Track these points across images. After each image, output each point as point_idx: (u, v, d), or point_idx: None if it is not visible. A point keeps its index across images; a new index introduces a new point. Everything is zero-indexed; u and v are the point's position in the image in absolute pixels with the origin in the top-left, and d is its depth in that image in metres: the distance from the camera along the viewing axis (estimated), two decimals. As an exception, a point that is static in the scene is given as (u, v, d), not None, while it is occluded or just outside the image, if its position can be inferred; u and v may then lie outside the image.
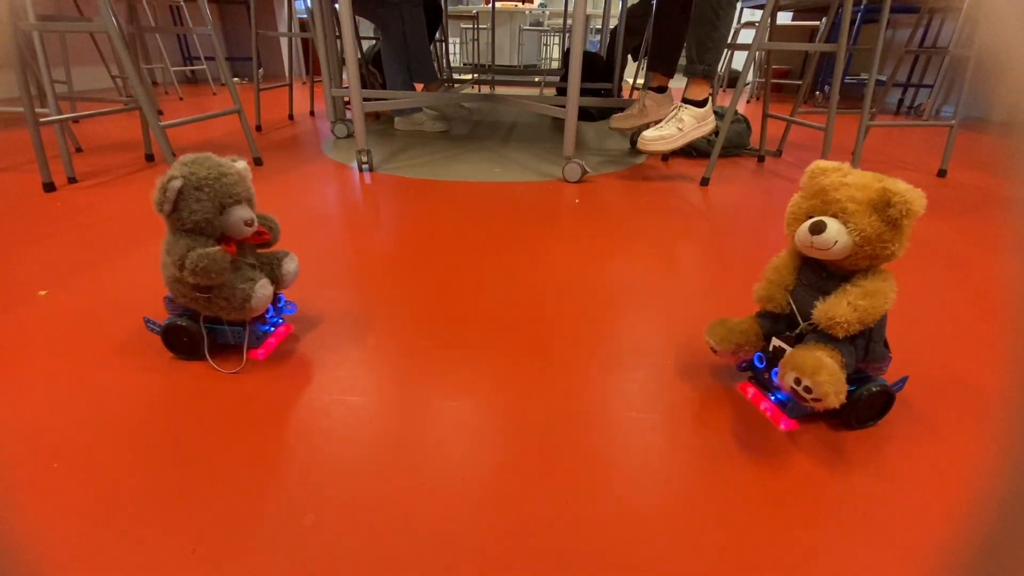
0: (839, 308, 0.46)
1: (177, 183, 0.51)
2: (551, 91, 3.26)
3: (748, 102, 3.52)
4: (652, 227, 1.09)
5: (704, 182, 1.44)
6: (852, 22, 3.01)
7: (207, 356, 0.59)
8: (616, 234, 1.04)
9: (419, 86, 2.06)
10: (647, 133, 1.41)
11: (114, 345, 0.63)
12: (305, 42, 3.53)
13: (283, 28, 4.01)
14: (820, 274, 0.50)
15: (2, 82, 2.44)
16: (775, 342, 0.53)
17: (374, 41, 2.47)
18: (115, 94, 2.37)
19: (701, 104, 1.40)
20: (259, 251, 0.63)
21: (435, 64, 2.24)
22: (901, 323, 0.74)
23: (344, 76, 2.01)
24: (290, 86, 2.32)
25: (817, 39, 3.03)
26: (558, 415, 0.54)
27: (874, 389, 0.50)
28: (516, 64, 5.42)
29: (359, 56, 2.24)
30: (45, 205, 1.10)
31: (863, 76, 3.54)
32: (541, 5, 5.23)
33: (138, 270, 0.82)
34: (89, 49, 2.15)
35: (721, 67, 3.38)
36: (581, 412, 0.54)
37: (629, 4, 2.25)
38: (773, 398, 0.54)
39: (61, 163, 1.27)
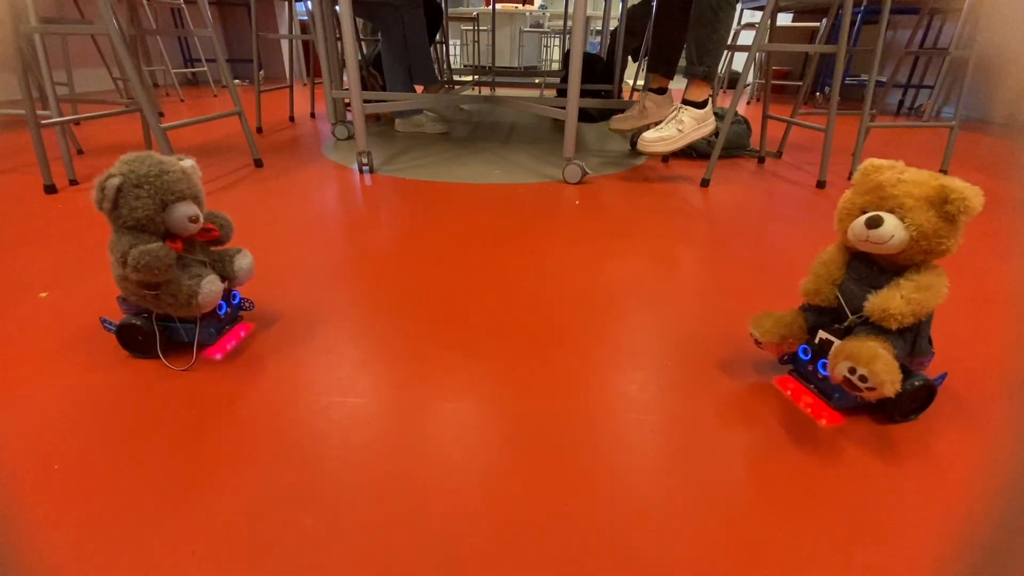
0: (893, 301, 0.47)
1: (115, 181, 0.52)
2: (551, 92, 3.27)
3: (748, 103, 3.52)
4: (652, 228, 1.09)
5: (704, 183, 1.44)
6: (852, 23, 3.02)
7: (160, 354, 0.59)
8: (616, 235, 1.04)
9: (419, 88, 2.07)
10: (647, 134, 1.41)
11: (116, 346, 0.63)
12: (306, 44, 3.54)
13: (284, 30, 4.02)
14: (871, 268, 0.51)
15: (3, 84, 2.44)
16: (821, 335, 0.54)
17: (375, 43, 2.48)
18: (116, 96, 2.37)
19: (701, 105, 1.40)
20: (212, 248, 0.63)
21: (435, 66, 2.24)
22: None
23: (344, 78, 2.02)
24: (291, 88, 2.32)
25: (817, 40, 3.03)
26: (556, 416, 0.54)
27: (918, 383, 0.51)
28: (516, 66, 5.43)
29: (359, 58, 2.25)
30: (46, 207, 1.11)
31: (863, 77, 3.54)
32: (541, 7, 5.24)
33: (139, 272, 0.82)
34: (90, 51, 2.15)
35: (721, 68, 3.38)
36: (580, 413, 0.54)
37: (629, 5, 2.25)
38: (816, 390, 0.55)
39: (62, 165, 1.27)
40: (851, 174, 1.52)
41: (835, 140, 1.47)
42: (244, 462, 0.47)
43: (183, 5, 3.10)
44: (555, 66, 5.22)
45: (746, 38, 3.33)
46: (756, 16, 3.62)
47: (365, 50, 2.45)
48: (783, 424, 0.52)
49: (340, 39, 2.01)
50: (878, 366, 0.44)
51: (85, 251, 0.89)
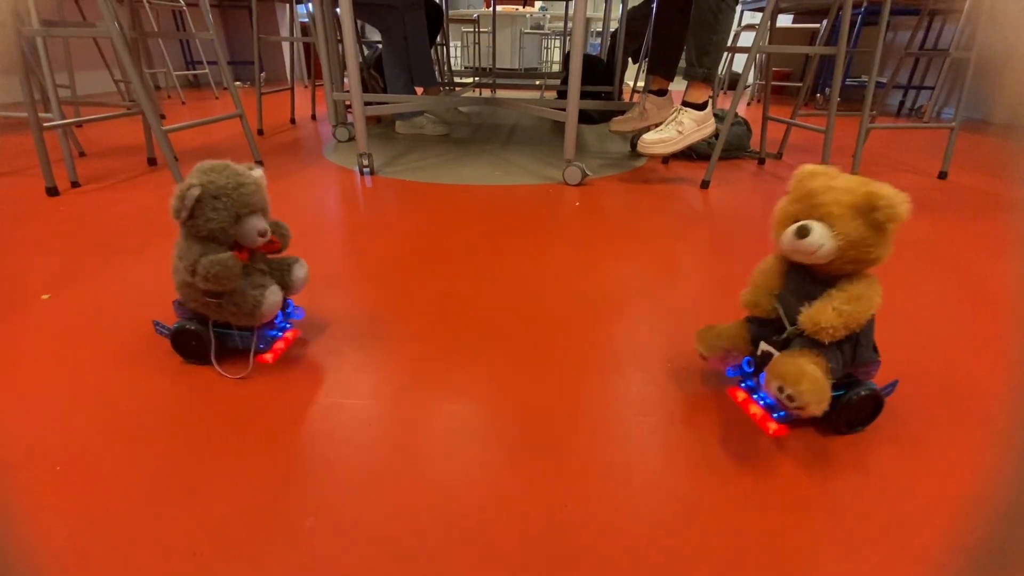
0: (824, 314, 0.46)
1: (195, 191, 0.51)
2: (552, 94, 3.27)
3: (748, 105, 3.52)
4: (653, 229, 1.09)
5: (704, 185, 1.44)
6: (852, 24, 3.02)
7: (214, 361, 0.59)
8: (617, 237, 1.04)
9: (420, 90, 2.07)
10: (647, 136, 1.41)
11: (117, 348, 0.63)
12: (307, 46, 3.54)
13: (285, 32, 4.03)
14: (806, 279, 0.50)
15: (6, 87, 2.45)
16: (763, 347, 0.53)
17: (376, 45, 2.48)
18: (118, 98, 2.38)
19: (701, 107, 1.41)
20: (269, 257, 0.63)
21: (436, 68, 2.24)
22: (900, 325, 0.74)
23: (345, 80, 2.02)
24: (292, 90, 2.33)
25: (817, 42, 3.04)
26: (557, 416, 0.54)
27: (863, 393, 0.50)
28: (517, 67, 5.43)
29: (360, 60, 2.25)
30: (48, 209, 1.11)
31: (863, 78, 3.54)
32: (542, 8, 5.24)
33: (141, 273, 0.83)
34: (92, 54, 2.16)
35: (721, 70, 3.38)
36: (579, 415, 0.54)
37: (629, 7, 2.26)
38: (762, 402, 0.53)
39: (64, 167, 1.28)
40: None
41: (835, 141, 1.47)
42: (246, 465, 0.47)
43: (184, 7, 3.11)
44: (555, 68, 5.23)
45: (746, 39, 3.34)
46: (756, 17, 3.62)
47: (365, 52, 2.46)
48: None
49: (341, 41, 2.02)
50: (803, 386, 0.43)
51: (87, 253, 0.90)
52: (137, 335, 0.66)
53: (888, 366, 0.54)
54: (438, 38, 2.45)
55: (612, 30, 2.45)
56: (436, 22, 2.26)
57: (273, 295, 0.57)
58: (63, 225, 1.02)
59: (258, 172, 0.57)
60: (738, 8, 1.60)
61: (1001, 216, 1.24)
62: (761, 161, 1.75)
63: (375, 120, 2.32)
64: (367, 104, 1.48)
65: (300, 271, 0.63)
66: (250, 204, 0.55)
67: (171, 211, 0.52)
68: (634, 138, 1.73)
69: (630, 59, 2.46)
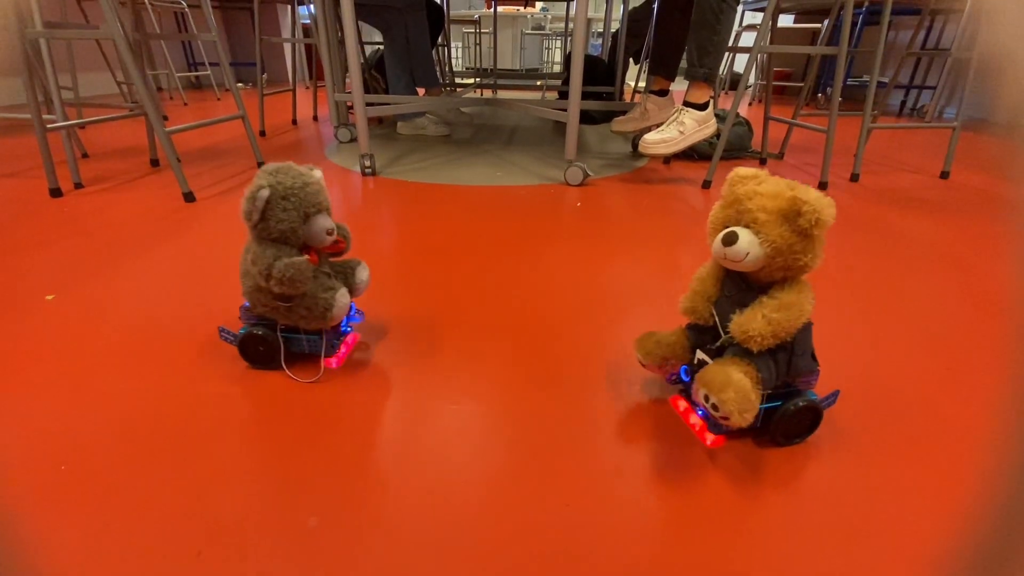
0: (754, 322, 0.44)
1: (265, 192, 0.51)
2: (553, 95, 3.27)
3: (750, 105, 3.52)
4: (654, 230, 1.09)
5: (706, 185, 1.44)
6: (853, 24, 3.01)
7: (283, 365, 0.59)
8: (618, 237, 1.05)
9: (422, 90, 2.07)
10: (648, 136, 1.41)
11: (120, 349, 0.63)
12: (308, 47, 3.55)
13: (287, 34, 4.04)
14: (741, 285, 0.48)
15: (9, 88, 2.46)
16: (699, 355, 0.52)
17: (377, 46, 2.49)
18: (120, 100, 2.39)
19: (702, 107, 1.41)
20: (331, 259, 0.62)
21: (437, 69, 2.25)
22: (901, 326, 0.74)
23: (347, 81, 2.03)
24: (294, 91, 2.33)
25: (819, 42, 3.03)
26: (558, 417, 0.54)
27: (800, 404, 0.48)
28: (518, 68, 5.44)
29: (362, 61, 2.26)
30: (52, 210, 1.11)
31: (865, 78, 3.53)
32: (543, 9, 5.25)
33: (143, 274, 0.83)
34: (95, 55, 2.17)
35: (722, 70, 3.38)
36: (581, 414, 0.55)
37: (630, 7, 2.26)
38: (701, 412, 0.52)
39: (67, 169, 1.28)
40: (853, 175, 1.52)
41: (837, 141, 1.47)
42: (247, 464, 0.47)
43: (187, 9, 3.12)
44: (556, 68, 5.23)
45: (747, 40, 3.33)
46: (757, 17, 3.62)
47: (367, 53, 2.46)
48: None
49: (343, 42, 2.02)
50: (727, 395, 0.42)
51: (90, 254, 0.90)
52: (139, 336, 0.66)
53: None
54: (439, 39, 2.45)
55: (613, 30, 2.46)
56: (437, 23, 2.27)
57: (343, 297, 0.57)
58: (66, 226, 1.03)
59: (318, 172, 0.57)
60: (739, 8, 1.60)
61: (1003, 216, 1.24)
62: (763, 161, 1.75)
63: (377, 121, 2.33)
64: (369, 105, 1.48)
65: (363, 273, 0.63)
66: (316, 203, 0.54)
67: (242, 214, 0.52)
68: (635, 138, 1.73)
69: (631, 59, 2.46)
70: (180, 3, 3.03)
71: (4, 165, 1.46)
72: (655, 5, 1.70)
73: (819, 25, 3.37)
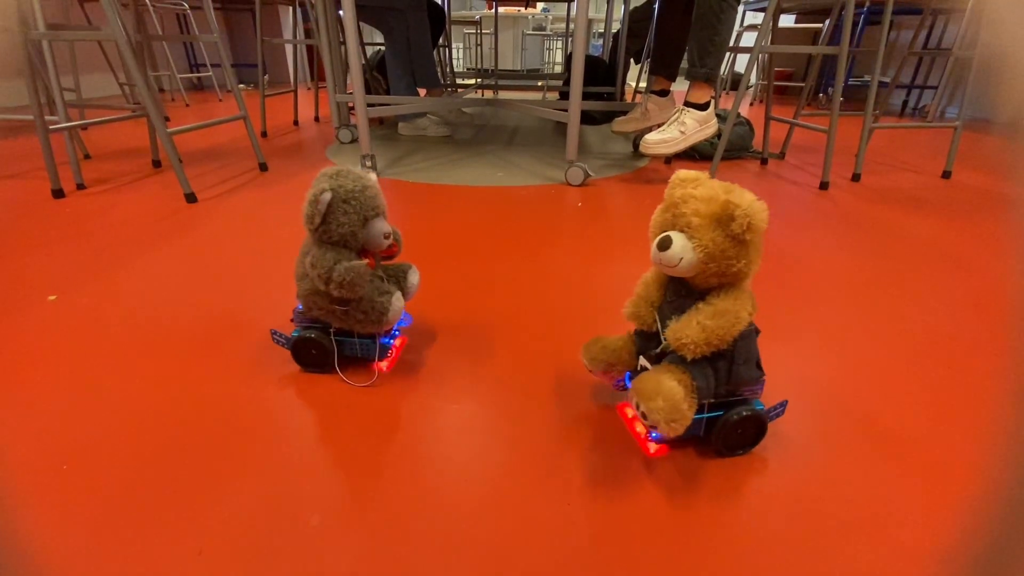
0: (688, 328, 0.43)
1: (327, 196, 0.51)
2: (554, 95, 3.27)
3: (751, 104, 3.52)
4: (655, 230, 1.09)
5: (707, 185, 1.44)
6: (855, 24, 3.01)
7: (337, 368, 0.59)
8: (620, 237, 1.05)
9: (423, 91, 2.07)
10: (649, 136, 1.41)
11: (120, 349, 0.64)
12: (310, 49, 3.56)
13: (288, 35, 4.05)
14: (681, 291, 0.47)
15: (12, 90, 2.47)
16: (641, 361, 0.51)
17: (378, 47, 2.49)
18: (123, 101, 2.39)
19: (703, 107, 1.41)
20: (384, 263, 0.62)
21: (438, 69, 2.25)
22: (901, 327, 0.74)
23: (348, 82, 2.03)
24: (295, 92, 2.34)
25: (820, 41, 3.03)
26: (559, 417, 0.54)
27: (743, 413, 0.47)
28: (519, 69, 5.44)
29: (363, 62, 2.26)
30: (54, 211, 1.12)
31: (866, 78, 3.53)
32: (544, 10, 5.25)
33: (145, 275, 0.83)
34: (97, 57, 2.17)
35: (723, 70, 3.38)
36: (581, 415, 0.55)
37: (631, 8, 2.26)
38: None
39: (70, 170, 1.28)
40: (854, 175, 1.52)
41: (839, 141, 1.47)
42: (248, 464, 0.47)
43: (189, 11, 3.13)
44: (557, 69, 5.23)
45: (748, 40, 3.33)
46: (758, 17, 3.62)
47: (368, 54, 2.47)
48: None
49: (344, 43, 2.02)
50: (656, 404, 0.41)
51: (93, 255, 0.90)
52: (140, 336, 0.66)
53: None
54: (440, 39, 2.46)
55: (614, 31, 2.46)
56: (438, 24, 2.27)
57: (399, 301, 0.57)
58: (68, 227, 1.03)
59: (374, 177, 0.57)
60: (740, 8, 1.60)
61: (1005, 215, 1.24)
62: (764, 161, 1.75)
63: (378, 122, 2.33)
64: (370, 106, 1.49)
65: (414, 277, 0.63)
66: (375, 206, 0.54)
67: (304, 218, 0.52)
68: (636, 139, 1.73)
69: (632, 60, 2.46)
70: (182, 4, 3.04)
71: (7, 166, 1.47)
72: (656, 5, 1.70)
73: (820, 25, 3.37)
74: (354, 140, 1.93)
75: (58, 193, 1.20)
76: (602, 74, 2.35)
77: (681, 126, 1.40)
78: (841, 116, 1.43)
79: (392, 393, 0.57)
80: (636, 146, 1.79)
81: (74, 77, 1.87)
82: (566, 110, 1.38)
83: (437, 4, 2.25)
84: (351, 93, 1.49)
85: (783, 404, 0.50)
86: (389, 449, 0.49)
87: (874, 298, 0.81)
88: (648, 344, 0.50)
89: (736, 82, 3.79)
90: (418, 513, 0.42)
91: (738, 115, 1.68)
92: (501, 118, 2.58)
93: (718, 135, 1.45)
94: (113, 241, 0.96)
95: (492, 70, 3.43)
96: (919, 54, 1.78)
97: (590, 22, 4.34)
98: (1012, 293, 0.82)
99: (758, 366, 0.48)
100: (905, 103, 3.41)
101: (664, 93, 1.57)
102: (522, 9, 5.14)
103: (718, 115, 1.46)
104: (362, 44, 2.35)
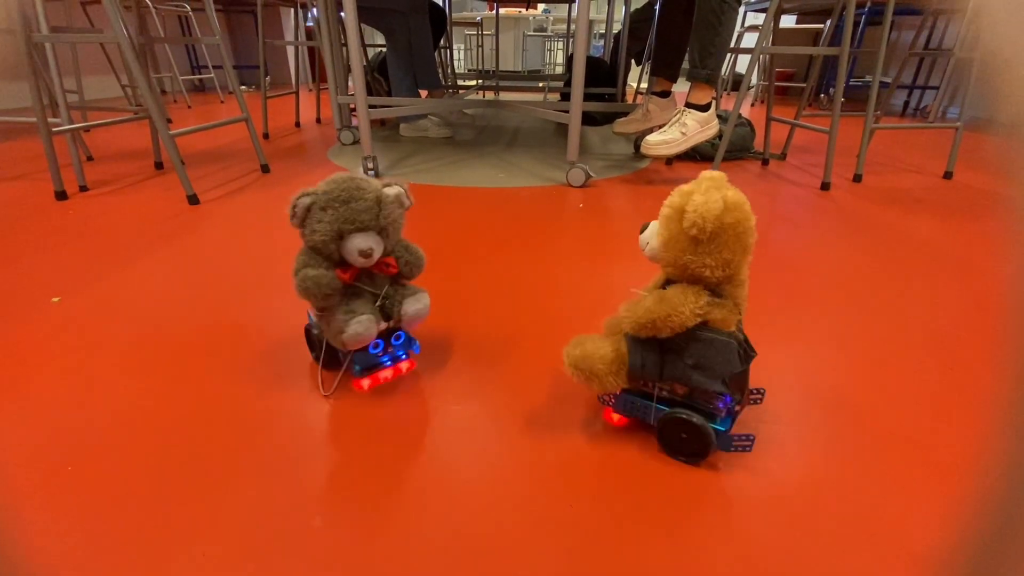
0: (636, 306, 0.45)
1: (306, 200, 0.51)
2: (555, 96, 3.28)
3: (752, 105, 3.52)
4: (656, 231, 1.09)
5: (708, 186, 1.44)
6: (856, 25, 3.01)
7: (320, 364, 0.60)
8: (621, 238, 1.05)
9: (424, 93, 2.08)
10: (651, 137, 1.41)
11: (125, 352, 0.64)
12: (311, 50, 3.56)
13: (290, 37, 4.06)
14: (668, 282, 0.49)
15: (15, 92, 2.48)
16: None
17: (380, 49, 2.49)
18: (125, 103, 2.40)
19: (704, 108, 1.41)
20: (403, 282, 0.59)
21: (440, 71, 2.25)
22: (902, 327, 0.73)
23: (350, 83, 2.03)
24: (297, 94, 2.34)
25: (821, 42, 3.03)
26: (559, 418, 0.54)
27: (682, 415, 0.46)
28: (520, 70, 5.45)
29: (364, 63, 2.26)
30: (57, 213, 1.12)
31: (867, 78, 3.53)
32: (545, 11, 5.26)
33: (148, 277, 0.83)
34: (100, 59, 2.18)
35: (724, 71, 3.38)
36: (582, 415, 0.55)
37: (632, 9, 2.26)
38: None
39: (73, 172, 1.29)
40: (856, 176, 1.52)
41: (840, 142, 1.47)
42: (250, 464, 0.47)
43: (190, 13, 3.14)
44: (559, 70, 5.23)
45: (749, 40, 3.33)
46: (759, 18, 3.62)
47: (369, 56, 2.47)
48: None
49: (345, 45, 2.03)
50: (573, 350, 0.47)
51: (96, 256, 0.91)
52: (144, 338, 0.67)
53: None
54: (442, 41, 2.46)
55: (615, 32, 2.46)
56: (440, 25, 2.28)
57: (358, 325, 0.52)
58: (71, 229, 1.03)
59: (393, 190, 0.55)
60: (741, 9, 1.60)
61: (1005, 216, 1.24)
62: (765, 162, 1.75)
63: (379, 123, 2.33)
64: (371, 107, 1.49)
65: (411, 306, 0.56)
66: (358, 221, 0.52)
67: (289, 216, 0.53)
68: (638, 140, 1.73)
69: (633, 61, 2.46)
70: (184, 7, 3.05)
71: (10, 168, 1.47)
72: (657, 6, 1.70)
73: (821, 26, 3.37)
74: (356, 141, 1.94)
75: (61, 195, 1.21)
76: (603, 75, 2.35)
77: (682, 127, 1.40)
78: (842, 117, 1.43)
79: (394, 394, 0.57)
80: (637, 147, 1.79)
81: (77, 79, 1.87)
82: (567, 111, 1.38)
83: (438, 5, 2.26)
84: (353, 95, 1.49)
85: (749, 437, 0.47)
86: (391, 450, 0.49)
87: (875, 299, 0.81)
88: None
89: (737, 83, 3.79)
90: (421, 514, 0.43)
91: (739, 116, 1.68)
92: (502, 119, 2.58)
93: (719, 136, 1.45)
94: (116, 243, 0.97)
95: (493, 71, 3.44)
96: (920, 54, 1.78)
97: (591, 23, 4.34)
98: (1012, 293, 0.82)
99: (725, 383, 0.45)
100: (906, 104, 3.40)
101: (665, 94, 1.57)
102: (523, 10, 5.15)
103: (719, 116, 1.46)
104: (363, 45, 2.36)
